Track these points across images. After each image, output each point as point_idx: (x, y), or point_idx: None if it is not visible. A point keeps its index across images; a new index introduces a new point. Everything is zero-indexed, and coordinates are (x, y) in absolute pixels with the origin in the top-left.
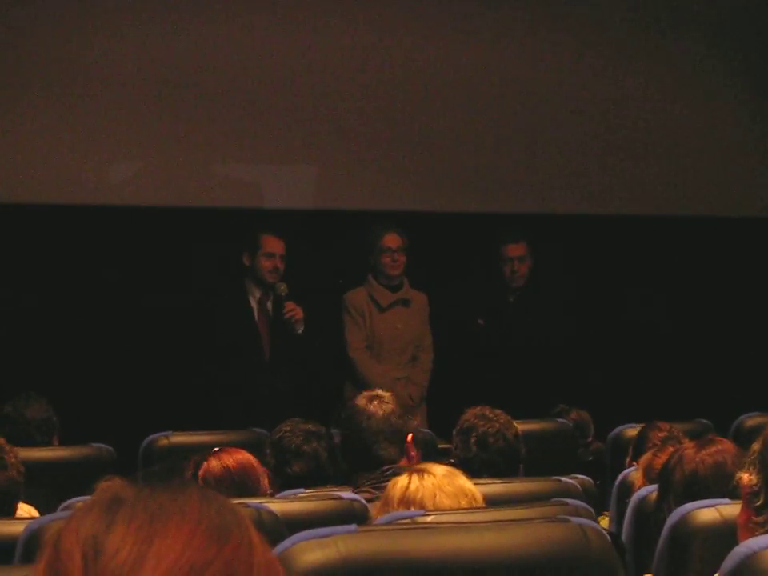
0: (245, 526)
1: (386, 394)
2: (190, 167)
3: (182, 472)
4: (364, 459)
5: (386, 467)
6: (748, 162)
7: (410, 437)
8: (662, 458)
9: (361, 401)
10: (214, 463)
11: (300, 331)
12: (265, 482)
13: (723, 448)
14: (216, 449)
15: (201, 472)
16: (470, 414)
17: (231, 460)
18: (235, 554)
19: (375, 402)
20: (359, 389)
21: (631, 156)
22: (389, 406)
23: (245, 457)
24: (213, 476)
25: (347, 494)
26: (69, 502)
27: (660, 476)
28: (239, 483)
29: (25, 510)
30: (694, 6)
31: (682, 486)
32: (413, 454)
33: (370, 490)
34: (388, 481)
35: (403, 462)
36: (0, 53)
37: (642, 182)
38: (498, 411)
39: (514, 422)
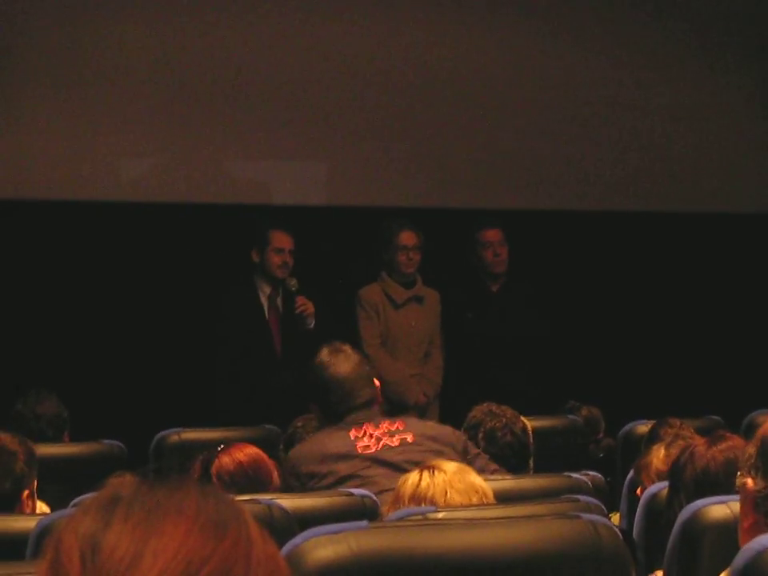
0: (243, 521)
1: (345, 346)
2: (201, 164)
3: (189, 471)
4: (346, 404)
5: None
6: (745, 158)
7: (377, 381)
8: (647, 458)
9: (325, 356)
10: (225, 459)
11: (311, 326)
12: (275, 474)
13: (734, 444)
14: (221, 446)
15: (213, 469)
16: (477, 411)
17: (242, 454)
18: (233, 549)
19: (341, 356)
20: None
21: (639, 152)
22: (355, 356)
23: (254, 450)
24: (227, 472)
25: (358, 491)
26: (80, 497)
27: (670, 473)
28: (253, 477)
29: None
30: (696, 2)
31: (693, 482)
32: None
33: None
34: (376, 418)
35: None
36: (11, 48)
37: (656, 177)
38: (504, 407)
39: (525, 418)
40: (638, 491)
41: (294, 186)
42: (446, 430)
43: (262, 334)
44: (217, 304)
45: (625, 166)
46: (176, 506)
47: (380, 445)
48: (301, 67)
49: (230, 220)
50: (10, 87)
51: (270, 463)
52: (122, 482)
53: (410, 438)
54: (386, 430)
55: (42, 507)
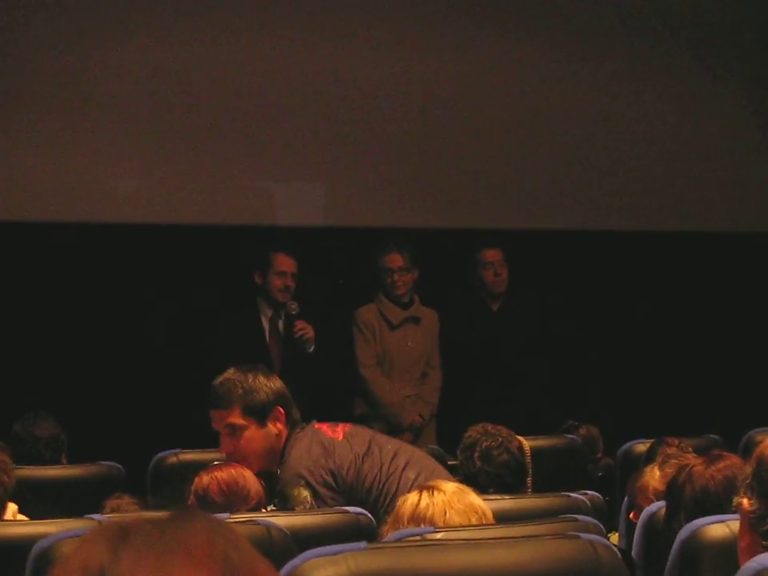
0: (251, 559)
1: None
2: (201, 185)
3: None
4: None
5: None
6: (749, 177)
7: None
8: (642, 480)
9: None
10: (204, 478)
11: (311, 350)
12: (259, 490)
13: (732, 463)
14: (216, 463)
15: (193, 487)
16: (473, 431)
17: (222, 473)
18: None
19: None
20: (369, 406)
21: (640, 173)
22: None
23: (237, 470)
24: (202, 489)
25: (353, 508)
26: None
27: (669, 493)
28: (227, 494)
29: (10, 512)
30: (695, 18)
31: (692, 502)
32: None
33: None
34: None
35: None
36: (6, 69)
37: (658, 197)
38: (499, 426)
39: (523, 438)
40: (632, 515)
41: (294, 207)
42: None
43: (261, 357)
44: (217, 325)
45: (624, 186)
46: (185, 543)
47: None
48: (301, 89)
49: (232, 241)
50: (10, 107)
51: (253, 480)
52: (118, 516)
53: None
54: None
55: (19, 516)
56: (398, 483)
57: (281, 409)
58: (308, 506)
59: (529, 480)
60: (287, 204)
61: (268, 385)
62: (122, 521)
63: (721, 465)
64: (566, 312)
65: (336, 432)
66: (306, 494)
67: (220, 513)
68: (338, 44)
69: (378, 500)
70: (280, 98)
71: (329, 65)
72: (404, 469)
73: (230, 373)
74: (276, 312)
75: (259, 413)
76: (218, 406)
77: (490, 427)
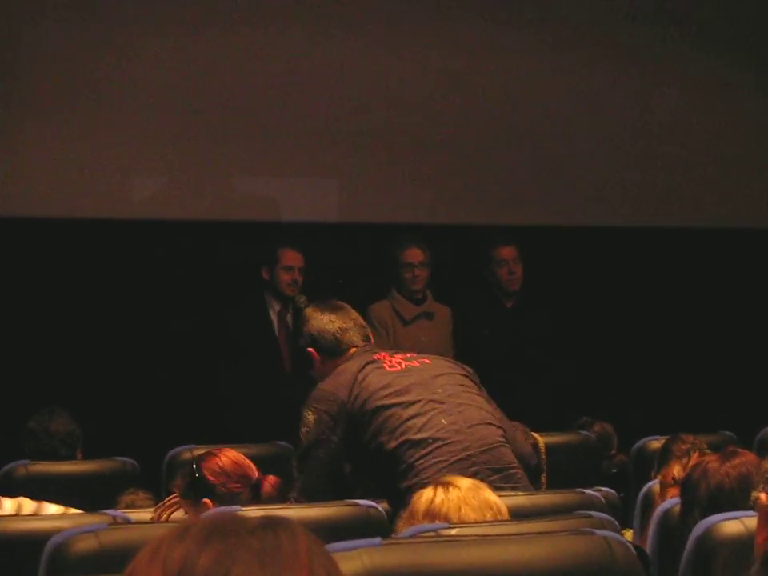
0: None
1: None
2: (210, 181)
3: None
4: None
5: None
6: (754, 172)
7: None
8: (670, 471)
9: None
10: (217, 460)
11: None
12: (268, 484)
13: (747, 460)
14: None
15: (205, 472)
16: None
17: (226, 452)
18: None
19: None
20: None
21: (654, 169)
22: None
23: (229, 450)
24: (218, 466)
25: (363, 501)
26: (100, 512)
27: (683, 489)
28: (241, 464)
29: (53, 509)
30: (709, 16)
31: (707, 499)
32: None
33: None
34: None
35: None
36: (22, 65)
37: (672, 193)
38: (515, 423)
39: (538, 435)
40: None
41: (305, 203)
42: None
43: (271, 350)
44: (226, 321)
45: (641, 182)
46: (285, 555)
47: (403, 365)
48: (311, 85)
49: (240, 237)
50: (21, 104)
51: (254, 467)
52: (135, 499)
53: (427, 360)
54: (403, 356)
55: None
56: (425, 422)
57: (309, 349)
58: (307, 431)
59: (543, 476)
60: (298, 200)
61: (303, 331)
62: (214, 519)
63: (735, 461)
64: (579, 310)
65: (399, 364)
66: (310, 419)
67: (235, 495)
68: (350, 39)
69: (391, 430)
70: (290, 93)
71: (341, 60)
72: (438, 414)
73: None
74: (284, 306)
75: (306, 358)
76: None
77: None
